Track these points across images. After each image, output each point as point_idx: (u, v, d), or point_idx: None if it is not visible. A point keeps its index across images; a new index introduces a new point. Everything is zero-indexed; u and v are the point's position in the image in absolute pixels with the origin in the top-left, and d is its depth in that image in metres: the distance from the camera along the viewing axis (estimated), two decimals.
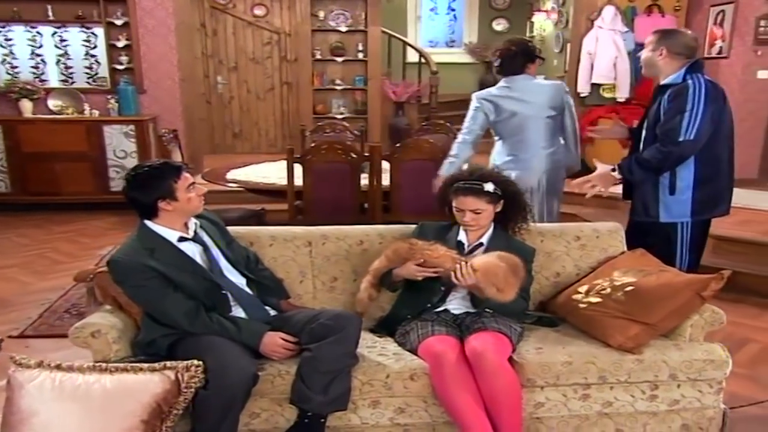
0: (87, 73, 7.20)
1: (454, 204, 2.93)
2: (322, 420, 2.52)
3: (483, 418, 2.47)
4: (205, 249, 2.79)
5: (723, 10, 6.88)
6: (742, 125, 6.48)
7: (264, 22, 9.07)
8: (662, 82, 3.39)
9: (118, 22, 7.11)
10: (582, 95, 7.40)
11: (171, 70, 7.28)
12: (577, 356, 2.64)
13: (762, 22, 6.51)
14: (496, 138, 4.15)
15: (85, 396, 2.30)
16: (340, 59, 8.97)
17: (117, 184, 6.95)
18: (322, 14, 8.92)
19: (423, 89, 9.22)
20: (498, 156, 4.12)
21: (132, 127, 6.91)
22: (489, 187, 2.88)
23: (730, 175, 3.47)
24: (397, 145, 4.38)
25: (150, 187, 2.67)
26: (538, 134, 4.02)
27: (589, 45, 7.25)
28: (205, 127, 8.69)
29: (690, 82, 3.24)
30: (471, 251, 2.90)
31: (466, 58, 10.75)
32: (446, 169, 3.87)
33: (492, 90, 4.04)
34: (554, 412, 2.68)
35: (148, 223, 2.74)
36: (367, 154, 4.17)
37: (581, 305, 2.93)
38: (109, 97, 7.04)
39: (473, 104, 4.03)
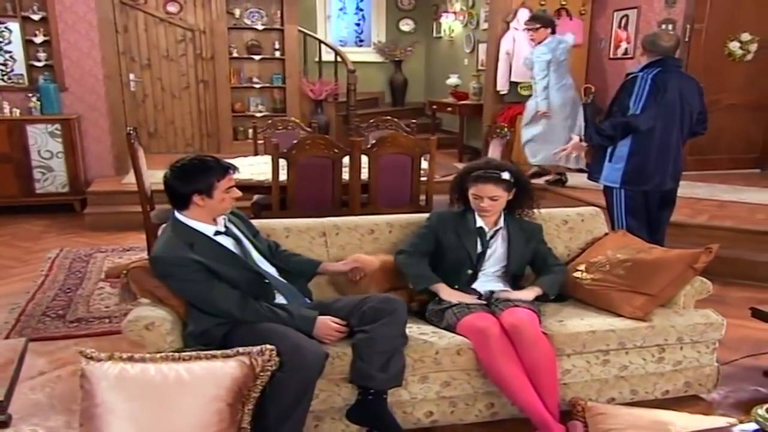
0: (1, 70, 6.83)
1: (471, 191, 3.15)
2: (384, 396, 2.68)
3: (528, 384, 2.73)
4: (238, 242, 2.86)
5: (627, 15, 7.51)
6: None
7: (177, 19, 8.88)
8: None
9: (35, 17, 6.80)
10: (501, 93, 7.84)
11: (94, 68, 7.05)
12: (598, 325, 2.95)
13: (663, 26, 7.15)
14: None
15: (164, 384, 2.34)
16: (257, 57, 8.97)
17: (43, 186, 6.68)
18: (237, 12, 8.89)
19: (340, 87, 9.38)
20: None
21: (58, 126, 6.64)
22: (506, 175, 3.13)
23: (663, 157, 4.16)
24: (374, 141, 4.54)
25: (192, 179, 2.71)
26: None
27: (507, 45, 7.68)
28: (121, 125, 8.40)
29: (641, 73, 4.05)
30: (492, 237, 3.17)
31: (376, 57, 11.02)
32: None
33: None
34: (579, 377, 2.98)
35: (180, 217, 2.78)
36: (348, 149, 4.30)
37: (584, 281, 3.25)
38: (30, 95, 6.71)
39: None
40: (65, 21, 6.86)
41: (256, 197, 5.02)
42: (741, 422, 2.42)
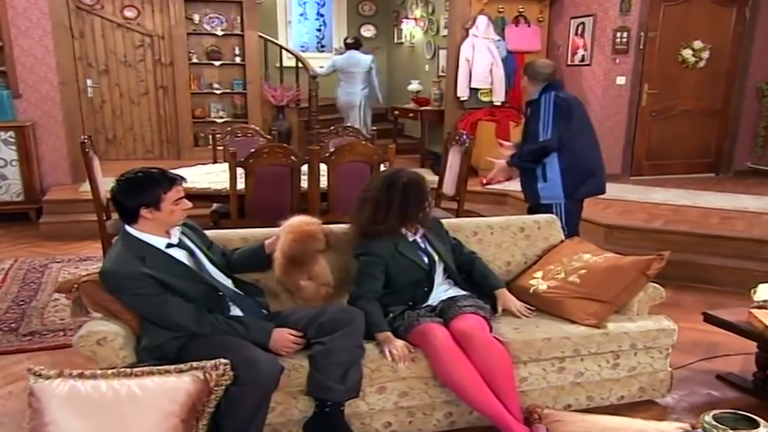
0: None
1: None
2: (341, 408, 2.67)
3: (484, 387, 2.74)
4: (191, 254, 2.83)
5: (583, 22, 7.63)
6: (605, 125, 7.29)
7: (135, 24, 8.77)
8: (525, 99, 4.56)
9: None
10: (462, 99, 7.88)
11: (49, 74, 6.90)
12: (554, 333, 2.98)
13: (618, 34, 7.30)
14: None
15: (116, 401, 2.30)
16: (217, 63, 8.91)
17: None
18: (196, 17, 8.82)
19: (301, 93, 9.35)
20: None
21: (11, 133, 6.48)
22: None
23: (593, 164, 4.41)
24: (332, 149, 4.53)
25: (138, 193, 2.67)
26: None
27: (467, 52, 7.73)
28: (78, 133, 8.27)
29: (542, 97, 4.23)
30: (424, 245, 3.18)
31: None
32: None
33: None
34: (536, 385, 3.01)
35: (131, 230, 2.73)
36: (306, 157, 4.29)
37: (540, 289, 3.28)
38: None
39: None
40: (18, 26, 6.71)
41: (215, 206, 4.98)
42: (693, 427, 2.48)
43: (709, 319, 3.46)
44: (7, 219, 6.50)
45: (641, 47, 7.38)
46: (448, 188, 5.14)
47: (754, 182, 7.43)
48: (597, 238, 5.29)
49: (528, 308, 3.20)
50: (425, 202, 3.11)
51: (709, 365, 3.66)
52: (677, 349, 3.72)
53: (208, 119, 8.93)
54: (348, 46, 8.98)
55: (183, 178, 2.80)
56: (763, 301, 3.38)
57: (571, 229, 4.30)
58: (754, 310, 3.26)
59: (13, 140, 6.50)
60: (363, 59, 8.90)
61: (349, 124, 5.98)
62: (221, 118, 8.92)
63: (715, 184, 7.34)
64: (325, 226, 3.19)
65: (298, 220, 3.01)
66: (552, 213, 4.26)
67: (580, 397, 3.10)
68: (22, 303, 4.44)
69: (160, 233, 2.75)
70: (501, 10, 7.87)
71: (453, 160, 5.08)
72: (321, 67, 9.29)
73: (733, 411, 2.30)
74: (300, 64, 9.45)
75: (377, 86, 9.09)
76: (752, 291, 3.50)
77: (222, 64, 8.94)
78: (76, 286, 2.83)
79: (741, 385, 3.45)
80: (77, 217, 6.24)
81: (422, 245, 3.15)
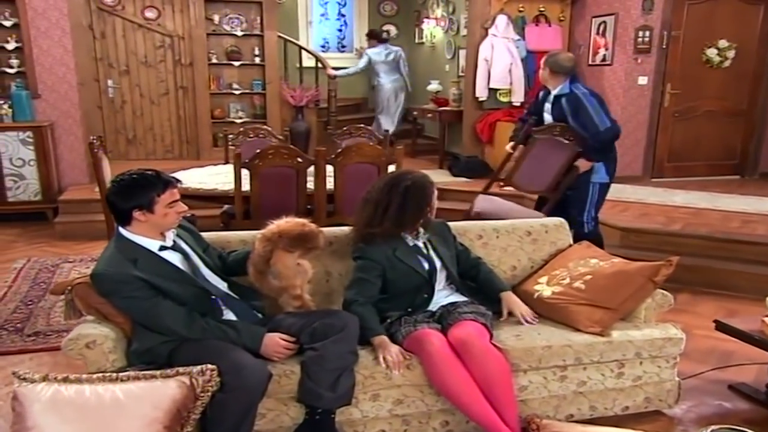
0: None
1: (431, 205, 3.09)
2: (332, 416, 2.62)
3: (480, 396, 2.66)
4: (186, 257, 2.80)
5: (604, 21, 7.48)
6: (626, 126, 7.10)
7: (156, 25, 8.81)
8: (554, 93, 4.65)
9: (7, 24, 6.74)
10: (480, 99, 7.79)
11: (68, 74, 6.97)
12: (555, 340, 2.90)
13: (640, 33, 7.15)
14: None
15: (99, 406, 2.28)
16: (236, 63, 8.90)
17: (14, 194, 6.60)
18: (216, 18, 8.82)
19: (321, 93, 9.32)
20: None
21: (30, 133, 6.56)
22: None
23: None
24: (339, 150, 4.48)
25: (131, 195, 2.64)
26: None
27: (485, 52, 7.63)
28: (97, 133, 8.33)
29: (577, 91, 4.48)
30: (426, 250, 3.11)
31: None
32: None
33: None
34: (536, 393, 2.93)
35: (124, 232, 2.71)
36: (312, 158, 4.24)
37: (544, 294, 3.20)
38: (1, 102, 6.62)
39: None
40: (37, 27, 6.78)
41: (225, 207, 4.96)
42: None
43: (721, 327, 3.34)
44: (24, 218, 6.57)
45: (664, 47, 7.22)
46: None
47: None
48: (613, 241, 5.18)
49: (533, 315, 3.12)
50: (425, 208, 3.03)
51: (722, 375, 3.54)
52: (690, 357, 3.63)
53: (228, 119, 8.92)
54: (379, 40, 9.39)
55: (179, 181, 2.76)
56: None
57: (598, 210, 4.70)
58: (767, 319, 3.14)
59: (31, 140, 6.58)
60: (395, 49, 9.45)
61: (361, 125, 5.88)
62: (240, 118, 8.92)
63: (739, 187, 7.15)
64: (321, 229, 3.11)
65: (284, 221, 2.93)
66: (587, 195, 4.62)
67: (583, 406, 3.01)
68: (30, 303, 4.46)
69: (154, 236, 2.72)
70: (521, 9, 7.75)
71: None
72: (345, 67, 9.55)
73: (731, 426, 2.20)
74: (320, 65, 9.42)
75: (406, 75, 9.60)
76: (767, 298, 3.37)
77: (241, 65, 8.93)
78: (69, 288, 2.82)
79: (753, 396, 3.33)
80: (92, 217, 6.24)
81: (424, 250, 3.08)
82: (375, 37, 9.43)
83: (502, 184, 5.13)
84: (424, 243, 3.12)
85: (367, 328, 2.82)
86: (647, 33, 7.14)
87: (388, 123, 9.32)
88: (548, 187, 4.66)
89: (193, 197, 4.48)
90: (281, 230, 2.84)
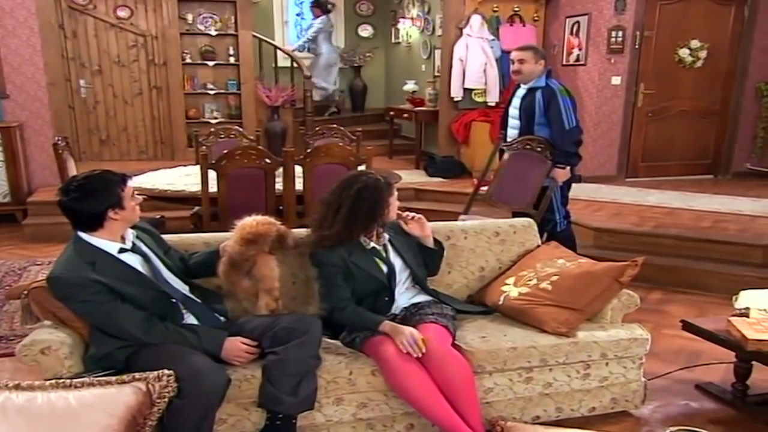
0: None
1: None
2: (293, 421, 2.58)
3: (441, 399, 2.63)
4: (146, 259, 2.75)
5: (578, 21, 7.50)
6: (600, 126, 7.18)
7: (128, 24, 8.71)
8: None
9: None
10: (455, 99, 7.78)
11: (37, 74, 6.88)
12: (520, 342, 2.88)
13: (613, 33, 7.17)
14: None
15: (51, 414, 2.22)
16: (211, 63, 8.83)
17: None
18: (190, 17, 8.73)
19: (297, 93, 9.26)
20: None
21: None
22: None
23: None
24: (308, 150, 4.44)
25: (100, 197, 2.60)
26: None
27: (460, 52, 7.62)
28: (68, 133, 8.22)
29: (552, 86, 4.47)
30: (386, 252, 3.07)
31: None
32: None
33: None
34: (502, 395, 2.90)
35: (82, 236, 2.66)
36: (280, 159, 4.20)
37: (512, 295, 3.18)
38: None
39: None
40: (5, 26, 6.69)
41: (196, 208, 4.90)
42: None
43: (688, 327, 3.34)
44: None
45: (637, 47, 7.25)
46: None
47: (752, 184, 7.29)
48: (586, 241, 5.18)
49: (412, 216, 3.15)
50: (378, 211, 2.94)
51: (690, 375, 3.54)
52: (659, 357, 3.64)
53: (203, 120, 8.84)
54: (323, 11, 10.03)
55: (127, 174, 2.75)
56: (745, 309, 3.26)
57: (566, 205, 4.67)
58: (732, 318, 3.15)
59: None
60: (332, 21, 10.33)
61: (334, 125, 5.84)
62: (215, 118, 8.84)
63: (713, 186, 7.20)
64: (290, 229, 3.08)
65: (250, 220, 2.89)
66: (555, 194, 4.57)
67: (549, 408, 2.99)
68: None
69: (116, 237, 2.67)
70: (495, 9, 7.76)
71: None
72: (303, 40, 10.40)
73: (690, 428, 2.19)
74: (295, 64, 9.36)
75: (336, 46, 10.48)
76: (734, 298, 3.38)
77: (216, 65, 8.86)
78: (25, 292, 2.77)
79: (719, 395, 3.33)
80: (62, 218, 6.01)
81: (383, 253, 3.04)
82: (320, 6, 9.95)
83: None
84: (384, 246, 3.08)
85: (366, 325, 2.81)
86: (620, 33, 7.16)
87: (325, 84, 10.22)
88: (529, 204, 4.57)
89: (161, 198, 4.44)
90: (261, 232, 2.81)
